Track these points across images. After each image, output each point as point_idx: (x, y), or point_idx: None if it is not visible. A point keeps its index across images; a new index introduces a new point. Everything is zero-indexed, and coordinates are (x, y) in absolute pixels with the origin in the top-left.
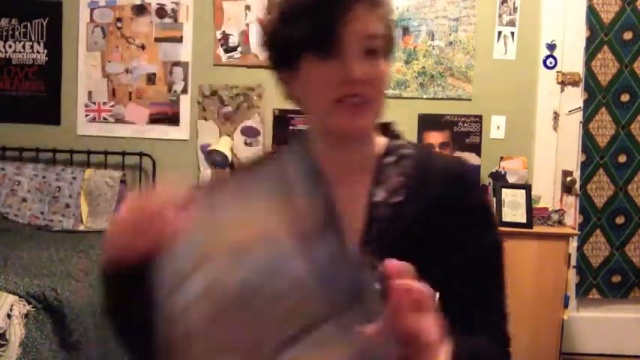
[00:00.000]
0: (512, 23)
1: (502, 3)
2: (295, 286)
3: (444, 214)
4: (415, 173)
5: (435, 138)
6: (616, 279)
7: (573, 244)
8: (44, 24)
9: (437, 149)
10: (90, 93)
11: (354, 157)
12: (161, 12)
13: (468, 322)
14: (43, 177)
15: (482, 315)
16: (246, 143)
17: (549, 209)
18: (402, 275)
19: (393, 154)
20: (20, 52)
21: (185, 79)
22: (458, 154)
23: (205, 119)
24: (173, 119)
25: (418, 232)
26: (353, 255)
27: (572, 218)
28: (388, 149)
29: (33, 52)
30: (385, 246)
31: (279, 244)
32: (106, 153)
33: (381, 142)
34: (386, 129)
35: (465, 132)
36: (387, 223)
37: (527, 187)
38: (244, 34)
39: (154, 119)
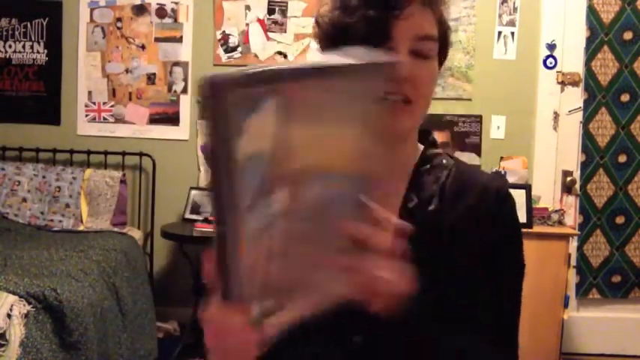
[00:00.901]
0: (512, 23)
1: (502, 3)
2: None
3: (475, 227)
4: (452, 184)
5: None
6: (616, 279)
7: (573, 244)
8: (44, 24)
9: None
10: (90, 93)
11: (393, 159)
12: (161, 12)
13: (480, 326)
14: (43, 177)
15: (493, 327)
16: None
17: (549, 209)
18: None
19: (429, 163)
20: (20, 52)
21: (185, 79)
22: (458, 154)
23: None
24: (173, 119)
25: (447, 240)
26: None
27: (572, 218)
28: (424, 157)
29: (33, 52)
30: (413, 251)
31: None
32: (106, 153)
33: (418, 149)
34: (423, 136)
35: (465, 132)
36: (417, 229)
37: (527, 187)
38: (244, 34)
39: (154, 119)
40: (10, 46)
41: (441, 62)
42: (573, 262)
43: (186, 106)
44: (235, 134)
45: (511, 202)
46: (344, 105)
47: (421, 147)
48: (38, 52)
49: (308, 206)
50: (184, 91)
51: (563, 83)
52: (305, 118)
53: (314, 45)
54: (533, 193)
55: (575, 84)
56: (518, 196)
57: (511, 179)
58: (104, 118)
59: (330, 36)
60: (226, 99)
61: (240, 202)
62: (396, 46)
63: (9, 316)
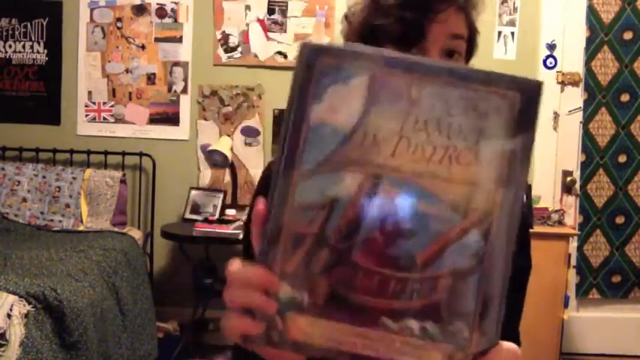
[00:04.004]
0: (512, 23)
1: (502, 3)
2: None
3: None
4: None
5: None
6: (616, 279)
7: (573, 244)
8: (44, 24)
9: None
10: (90, 93)
11: None
12: (161, 12)
13: None
14: (43, 177)
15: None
16: (246, 143)
17: (549, 209)
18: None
19: None
20: (20, 52)
21: (185, 79)
22: None
23: (205, 119)
24: (173, 119)
25: None
26: None
27: (572, 218)
28: None
29: (33, 52)
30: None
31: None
32: (106, 153)
33: None
34: None
35: None
36: None
37: (527, 187)
38: (244, 34)
39: (154, 119)
40: (10, 46)
41: (466, 62)
42: (573, 262)
43: (186, 106)
44: (314, 97)
45: (527, 207)
46: (462, 118)
47: None
48: (38, 52)
49: (376, 210)
50: (184, 91)
51: (563, 83)
52: (399, 112)
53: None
54: (533, 193)
55: (575, 84)
56: None
57: None
58: (104, 118)
59: (360, 35)
60: (314, 63)
61: (299, 160)
62: (430, 46)
63: (9, 316)
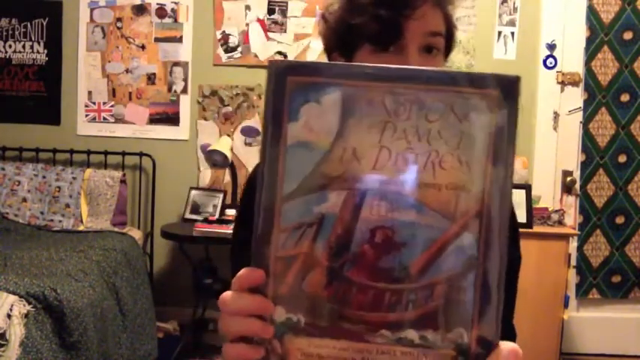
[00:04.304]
0: (512, 23)
1: (502, 3)
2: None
3: None
4: None
5: None
6: (616, 279)
7: (573, 244)
8: (44, 24)
9: None
10: (90, 93)
11: None
12: (161, 12)
13: None
14: (43, 177)
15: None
16: (246, 143)
17: (549, 209)
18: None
19: None
20: (20, 52)
21: (185, 79)
22: None
23: (205, 119)
24: (173, 119)
25: None
26: None
27: (572, 218)
28: None
29: (33, 52)
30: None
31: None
32: (106, 153)
33: None
34: None
35: None
36: None
37: (527, 187)
38: (244, 34)
39: (154, 119)
40: (10, 46)
41: (445, 57)
42: (573, 262)
43: (187, 106)
44: (289, 117)
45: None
46: (441, 122)
47: None
48: (38, 52)
49: (364, 224)
50: (184, 91)
51: (563, 83)
52: (377, 123)
53: (314, 44)
54: (533, 193)
55: (575, 84)
56: (519, 196)
57: None
58: (104, 118)
59: (338, 33)
60: (285, 82)
61: (281, 183)
62: (407, 44)
63: (9, 316)
